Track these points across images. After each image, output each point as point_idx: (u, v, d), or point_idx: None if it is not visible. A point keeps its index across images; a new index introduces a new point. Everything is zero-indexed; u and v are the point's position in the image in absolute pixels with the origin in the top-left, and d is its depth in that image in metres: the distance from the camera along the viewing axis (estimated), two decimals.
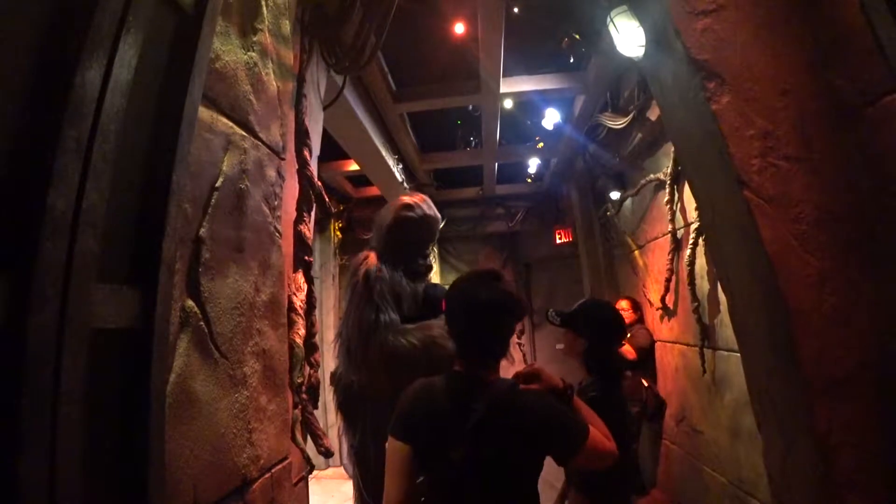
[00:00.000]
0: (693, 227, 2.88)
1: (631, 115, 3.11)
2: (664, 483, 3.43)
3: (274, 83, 1.29)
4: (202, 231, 0.86)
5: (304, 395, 1.50)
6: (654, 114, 3.07)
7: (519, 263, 6.73)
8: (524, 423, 1.00)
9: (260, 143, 1.15)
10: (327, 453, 1.64)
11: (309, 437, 1.60)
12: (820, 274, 1.37)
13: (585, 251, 5.01)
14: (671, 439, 3.39)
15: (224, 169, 0.96)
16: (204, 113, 0.93)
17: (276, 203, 1.19)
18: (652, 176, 3.36)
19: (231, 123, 1.03)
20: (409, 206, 1.76)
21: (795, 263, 1.37)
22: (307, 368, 1.59)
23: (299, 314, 1.44)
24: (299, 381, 1.32)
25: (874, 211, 1.36)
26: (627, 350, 3.20)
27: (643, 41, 1.65)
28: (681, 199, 3.10)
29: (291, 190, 1.71)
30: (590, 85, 3.48)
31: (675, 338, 3.29)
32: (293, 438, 1.24)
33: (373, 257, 1.72)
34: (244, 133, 1.07)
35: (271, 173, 1.18)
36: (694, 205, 2.82)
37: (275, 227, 1.17)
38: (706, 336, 2.83)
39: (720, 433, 2.75)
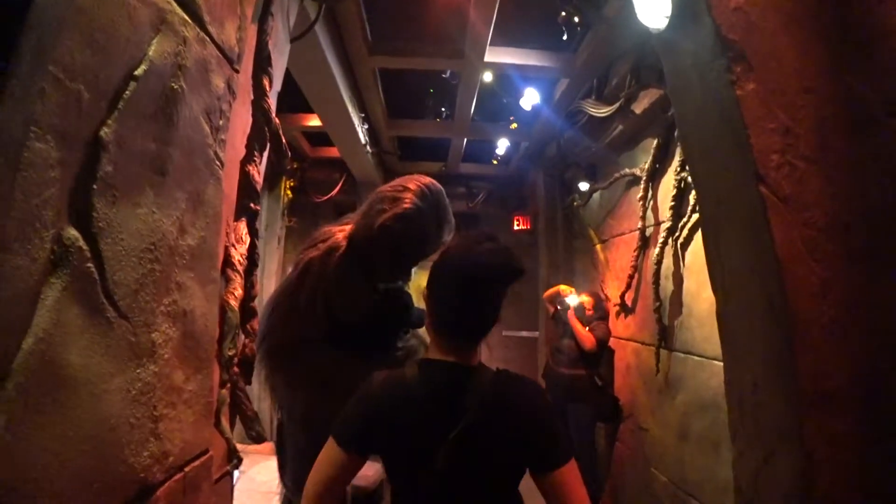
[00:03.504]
0: (664, 226, 2.82)
1: (618, 105, 2.98)
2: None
3: None
4: (105, 132, 0.58)
5: (234, 370, 1.24)
6: (640, 107, 2.96)
7: None
8: (514, 421, 0.85)
9: (207, 39, 0.85)
10: (258, 438, 1.39)
11: (238, 420, 1.35)
12: (823, 284, 1.31)
13: (545, 240, 4.93)
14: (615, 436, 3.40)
15: (151, 54, 0.67)
16: None
17: (220, 123, 0.90)
18: (627, 170, 3.28)
19: None
20: (405, 217, 1.18)
21: (802, 270, 1.29)
22: (241, 337, 1.32)
23: (238, 271, 1.17)
24: (230, 353, 1.06)
25: (884, 222, 1.31)
26: (586, 337, 3.12)
27: (669, 12, 1.48)
28: (654, 196, 3.04)
29: (242, 122, 1.40)
30: (577, 68, 3.32)
31: (630, 335, 3.27)
32: (217, 425, 0.98)
33: (337, 256, 1.28)
34: (186, 17, 0.78)
35: (219, 83, 0.90)
36: (668, 204, 2.77)
37: (215, 154, 0.88)
38: (664, 337, 2.81)
39: (667, 433, 2.75)
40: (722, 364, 2.25)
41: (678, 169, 2.67)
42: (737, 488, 1.49)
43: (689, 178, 2.55)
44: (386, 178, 5.56)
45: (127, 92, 0.63)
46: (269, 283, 4.30)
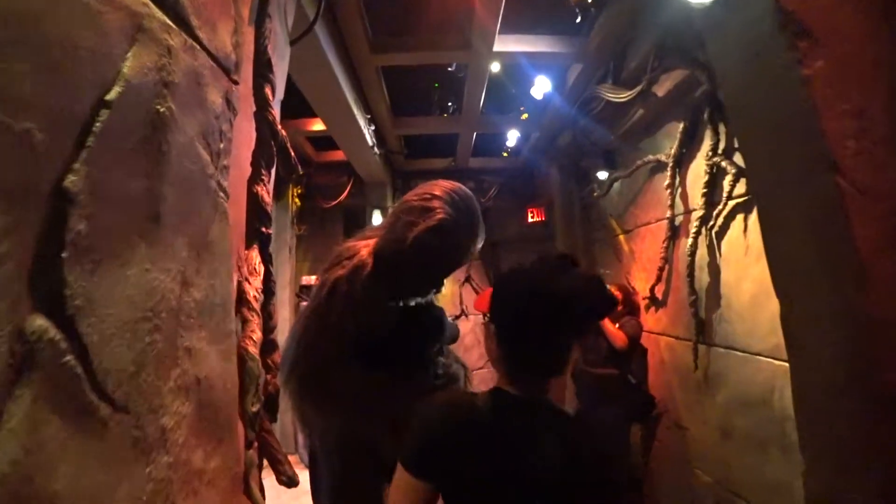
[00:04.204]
0: (696, 214, 2.66)
1: (639, 89, 2.80)
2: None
3: None
4: (71, 180, 0.45)
5: (261, 415, 1.12)
6: (662, 89, 2.78)
7: (486, 242, 6.43)
8: (597, 464, 0.79)
9: (197, 47, 0.71)
10: (290, 482, 1.28)
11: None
12: None
13: (562, 232, 4.76)
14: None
15: (126, 72, 0.54)
16: None
17: (220, 146, 0.76)
18: (651, 157, 3.11)
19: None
20: (440, 229, 1.09)
21: (885, 268, 1.14)
22: (262, 374, 1.20)
23: (254, 310, 1.04)
24: (255, 409, 0.93)
25: None
26: (617, 335, 2.96)
27: None
28: (682, 183, 2.86)
29: (246, 138, 1.27)
30: (591, 52, 3.13)
31: (662, 329, 3.12)
32: (247, 492, 0.86)
33: (365, 274, 1.16)
34: (169, 21, 0.64)
35: (215, 98, 0.76)
36: (700, 191, 2.59)
37: (218, 184, 0.75)
38: (702, 331, 2.65)
39: (708, 431, 2.61)
40: (769, 360, 2.11)
41: (709, 154, 2.49)
42: (808, 501, 1.35)
43: (723, 164, 2.38)
44: (393, 179, 5.41)
45: (98, 123, 0.49)
46: (282, 294, 4.20)
